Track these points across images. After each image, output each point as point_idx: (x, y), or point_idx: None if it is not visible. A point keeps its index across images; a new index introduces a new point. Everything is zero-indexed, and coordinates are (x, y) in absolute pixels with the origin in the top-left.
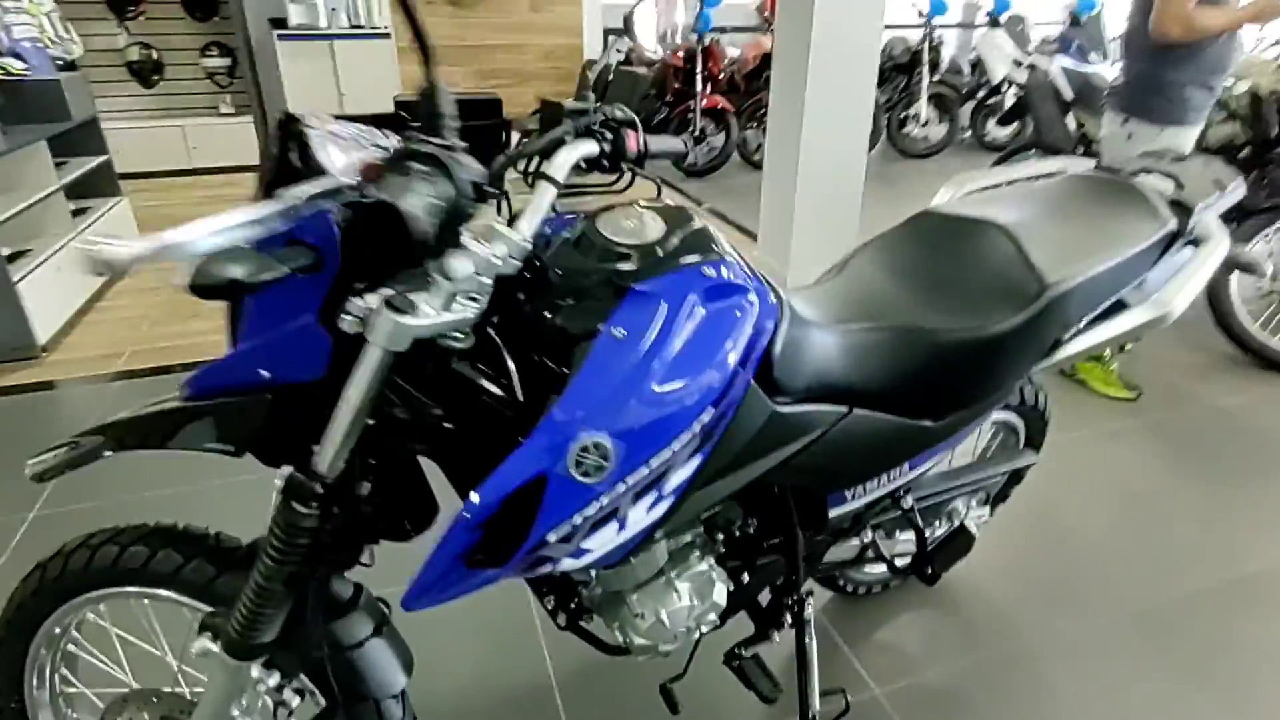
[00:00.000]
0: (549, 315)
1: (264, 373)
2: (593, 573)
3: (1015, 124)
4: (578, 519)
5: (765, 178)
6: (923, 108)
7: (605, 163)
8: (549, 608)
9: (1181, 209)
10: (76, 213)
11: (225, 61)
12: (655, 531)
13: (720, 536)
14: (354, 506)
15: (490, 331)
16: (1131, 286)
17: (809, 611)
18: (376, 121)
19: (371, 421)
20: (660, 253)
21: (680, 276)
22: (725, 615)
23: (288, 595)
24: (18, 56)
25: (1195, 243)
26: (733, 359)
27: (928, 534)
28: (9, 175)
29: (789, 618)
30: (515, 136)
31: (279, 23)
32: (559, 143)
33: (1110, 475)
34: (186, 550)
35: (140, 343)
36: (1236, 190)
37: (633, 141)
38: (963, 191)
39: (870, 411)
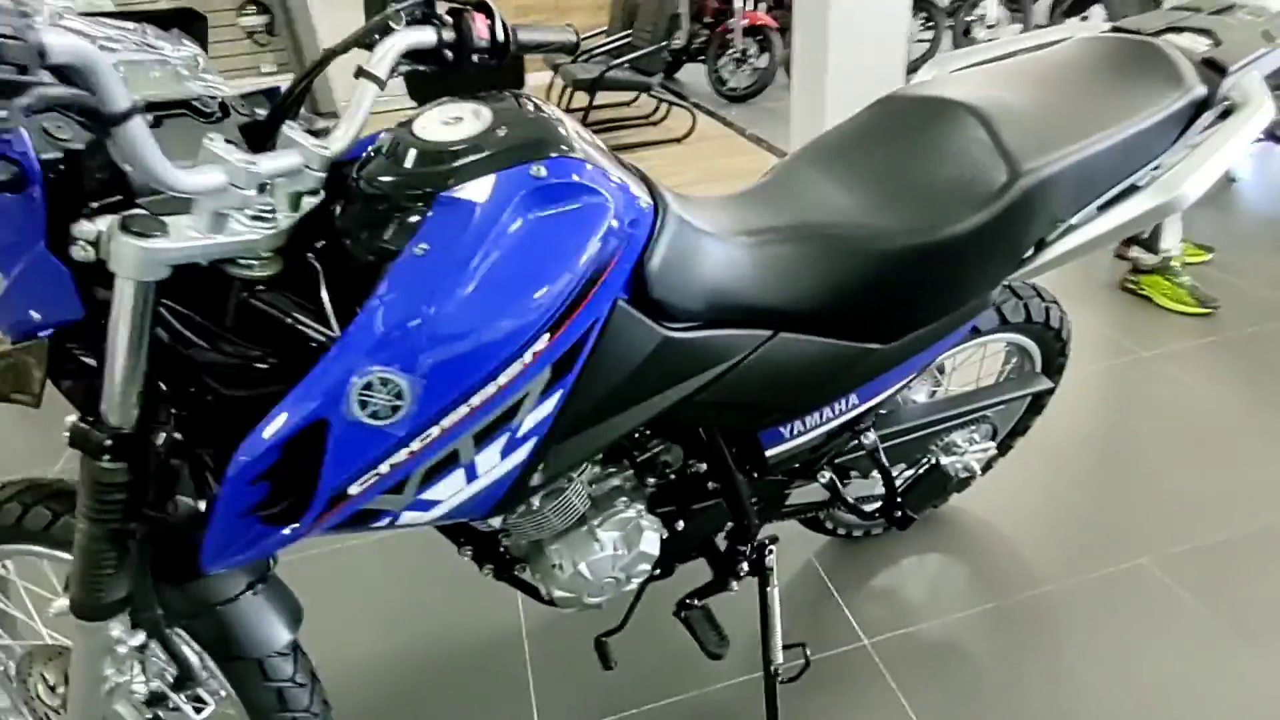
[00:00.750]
0: (355, 235)
1: (33, 314)
2: (500, 521)
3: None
4: (383, 467)
5: (793, 96)
6: (991, 6)
7: (448, 54)
8: (469, 557)
9: (1214, 69)
10: None
11: (263, 19)
12: (532, 477)
13: (652, 480)
14: (156, 458)
15: (311, 259)
16: (1147, 169)
17: (770, 559)
18: (161, 21)
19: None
20: (481, 152)
21: (502, 177)
22: (671, 563)
23: (124, 551)
24: None
25: (1230, 112)
26: (568, 277)
27: (913, 473)
28: None
29: (745, 566)
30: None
31: None
32: (384, 31)
33: (1173, 401)
34: (57, 506)
35: None
36: None
37: (482, 27)
38: (949, 69)
39: (800, 335)
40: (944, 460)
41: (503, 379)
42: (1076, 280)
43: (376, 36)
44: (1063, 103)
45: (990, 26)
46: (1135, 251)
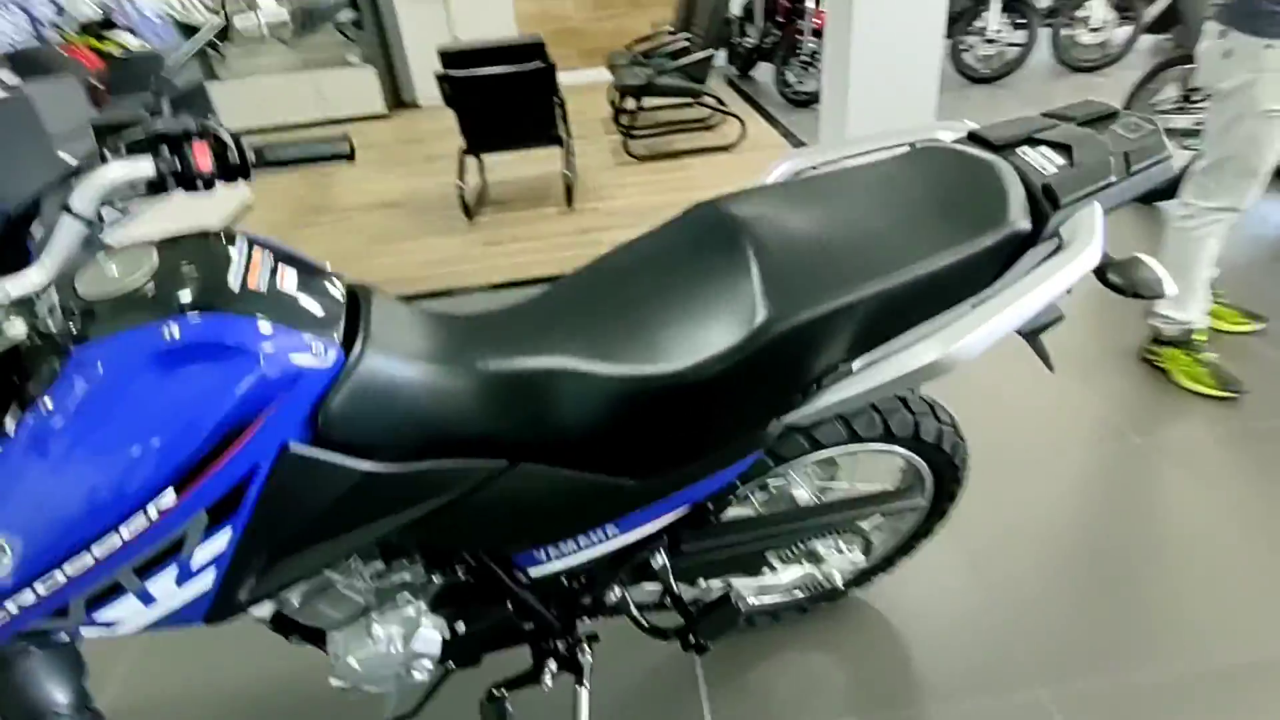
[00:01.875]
0: (28, 378)
1: None
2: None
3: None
4: (11, 606)
5: (821, 113)
6: (1097, 7)
7: (175, 182)
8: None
9: (1051, 199)
10: None
11: (353, 14)
12: (238, 594)
13: (439, 579)
14: None
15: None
16: (960, 307)
17: (584, 658)
18: None
19: None
20: (121, 308)
21: (130, 337)
22: (475, 655)
23: None
24: (132, 32)
25: (1061, 249)
26: (192, 436)
27: (766, 578)
28: None
29: (553, 664)
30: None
31: None
32: (96, 164)
33: (1149, 503)
34: None
35: None
36: (1153, 169)
37: (202, 158)
38: (793, 170)
39: (542, 466)
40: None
41: (126, 532)
42: (1096, 340)
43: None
44: (867, 230)
45: (1095, 29)
46: (1160, 313)
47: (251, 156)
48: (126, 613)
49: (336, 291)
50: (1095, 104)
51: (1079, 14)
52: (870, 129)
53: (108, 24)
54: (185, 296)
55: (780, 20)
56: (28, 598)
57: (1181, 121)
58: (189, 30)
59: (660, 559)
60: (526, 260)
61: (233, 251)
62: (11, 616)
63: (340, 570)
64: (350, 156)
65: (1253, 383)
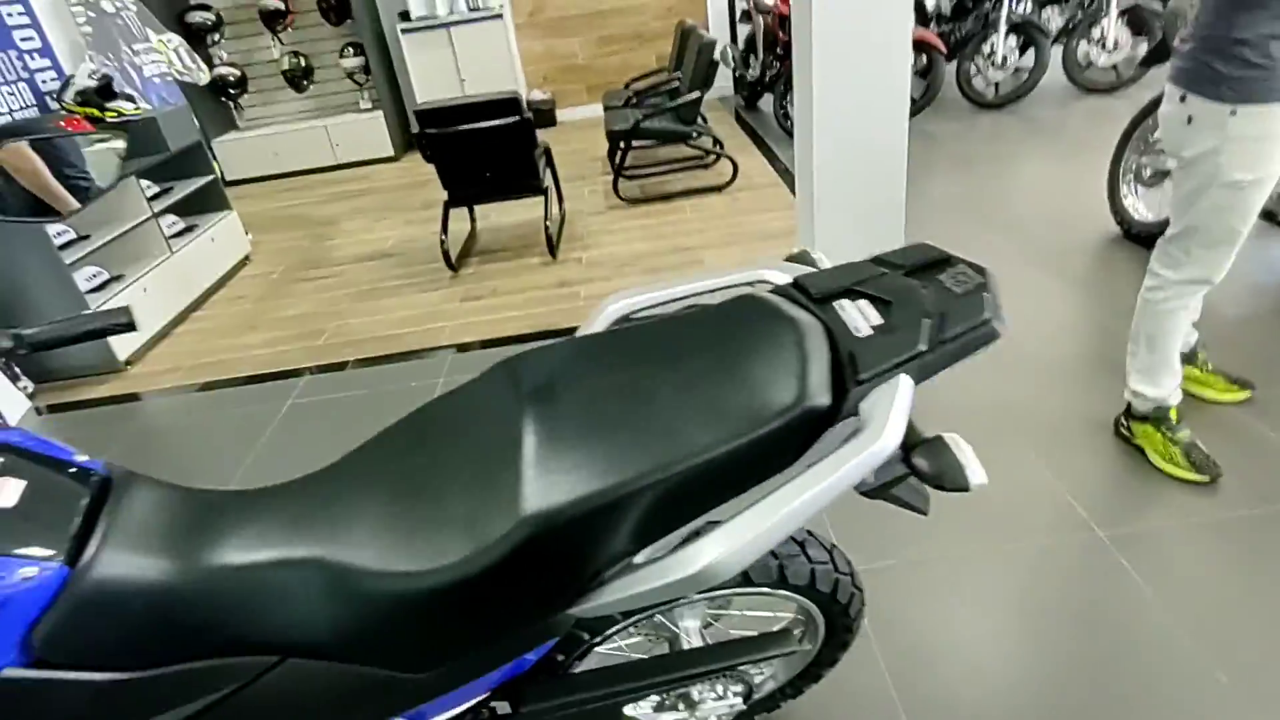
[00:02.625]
0: None
1: None
2: None
3: None
4: None
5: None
6: (1110, 28)
7: None
8: None
9: (855, 369)
10: (187, 229)
11: (361, 60)
12: None
13: None
14: None
15: None
16: (759, 490)
17: None
18: None
19: None
20: None
21: None
22: None
23: None
24: (129, 99)
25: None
26: None
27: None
28: (110, 209)
29: None
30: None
31: (406, 16)
32: None
33: (1104, 611)
34: None
35: (200, 356)
36: (969, 336)
37: None
38: (620, 312)
39: (314, 661)
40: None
41: None
42: (1070, 408)
43: None
44: (653, 405)
45: (1110, 50)
46: (1132, 388)
47: (15, 344)
48: None
49: (79, 491)
50: (928, 249)
51: (1093, 35)
52: (833, 169)
53: (108, 91)
54: None
55: (780, 53)
56: None
57: None
58: (190, 88)
59: (503, 706)
60: (499, 319)
61: None
62: None
63: None
64: (132, 327)
65: (1233, 462)
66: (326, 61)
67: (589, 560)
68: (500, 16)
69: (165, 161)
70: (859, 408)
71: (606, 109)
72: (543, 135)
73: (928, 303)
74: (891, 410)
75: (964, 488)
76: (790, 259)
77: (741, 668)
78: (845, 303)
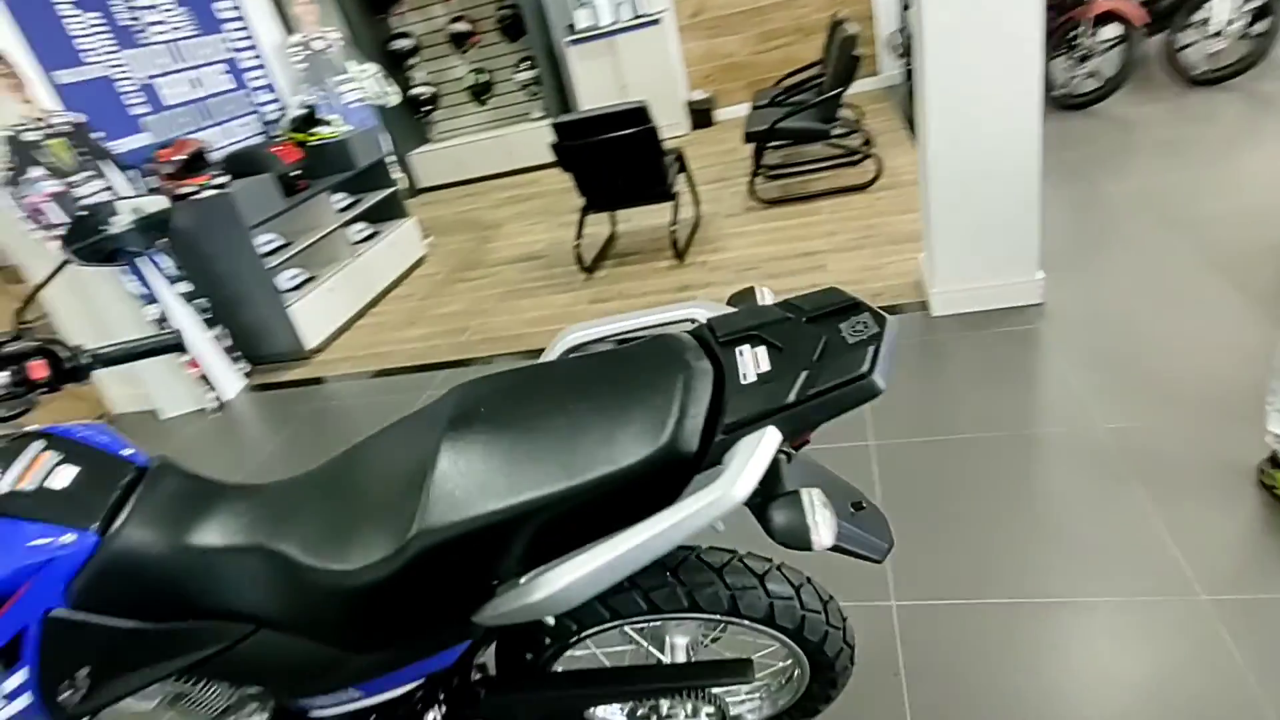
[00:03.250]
0: None
1: None
2: None
3: None
4: None
5: (919, 149)
6: (1223, 8)
7: (19, 391)
8: None
9: (724, 416)
10: (371, 235)
11: (534, 73)
12: (68, 707)
13: None
14: None
15: None
16: (622, 535)
17: None
18: None
19: None
20: None
21: None
22: None
23: None
24: (328, 124)
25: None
26: None
27: None
28: (309, 219)
29: None
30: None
31: (573, 29)
32: None
33: (1188, 687)
34: None
35: (370, 347)
36: (839, 392)
37: (39, 369)
38: (573, 342)
39: (279, 634)
40: None
41: None
42: (1213, 448)
43: None
44: (549, 437)
45: (1215, 34)
46: (1274, 430)
47: (88, 360)
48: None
49: (118, 478)
50: (837, 294)
51: (1198, 16)
52: (948, 158)
53: (312, 119)
54: None
55: (1054, 3)
56: None
57: None
58: (381, 111)
59: (433, 714)
60: None
61: (21, 456)
62: None
63: (190, 683)
64: (180, 348)
65: None
66: (504, 76)
67: (478, 575)
68: (659, 21)
69: (355, 175)
70: (723, 457)
71: (754, 108)
72: (698, 135)
73: (812, 353)
74: (747, 462)
75: (805, 547)
76: (734, 297)
77: (715, 691)
78: (745, 348)
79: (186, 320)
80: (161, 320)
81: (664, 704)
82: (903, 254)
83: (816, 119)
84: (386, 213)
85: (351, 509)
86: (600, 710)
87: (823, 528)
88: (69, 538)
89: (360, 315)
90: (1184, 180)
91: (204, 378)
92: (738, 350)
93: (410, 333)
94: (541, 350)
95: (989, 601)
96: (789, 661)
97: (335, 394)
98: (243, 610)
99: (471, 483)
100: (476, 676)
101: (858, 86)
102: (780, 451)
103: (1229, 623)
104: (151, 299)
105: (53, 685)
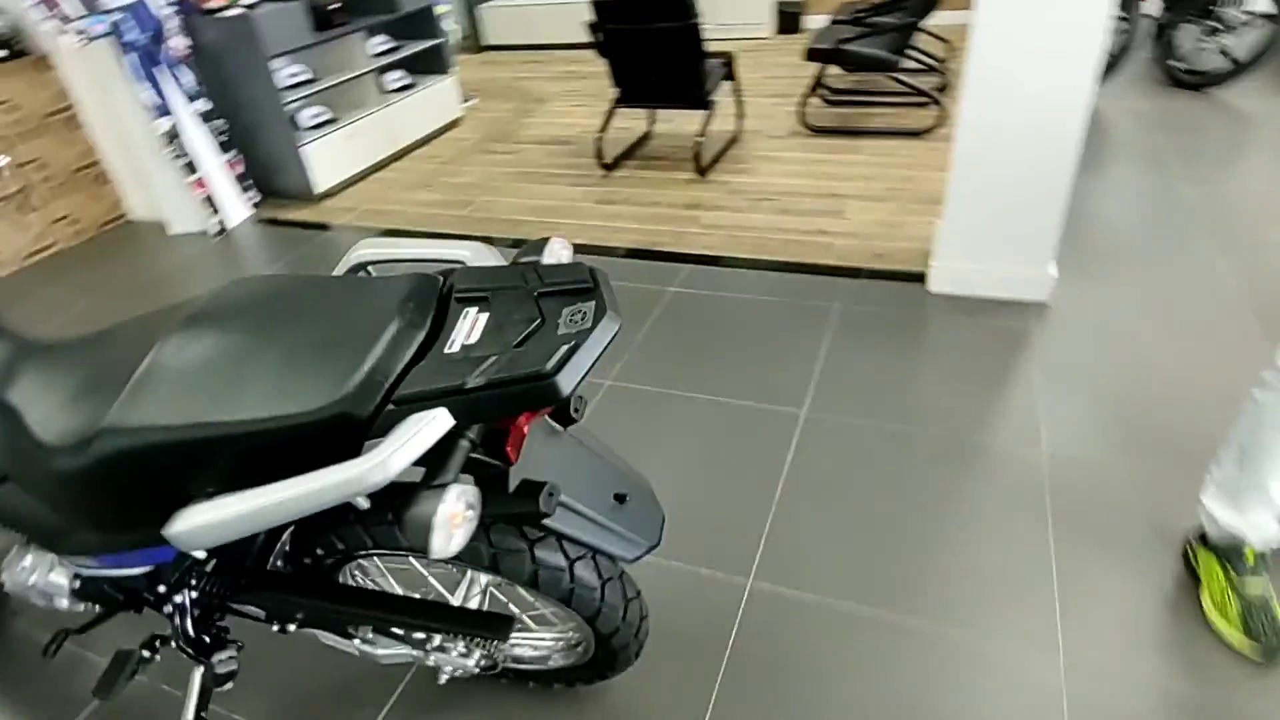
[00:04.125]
0: None
1: None
2: None
3: None
4: None
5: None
6: None
7: None
8: None
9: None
10: (407, 87)
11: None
12: None
13: None
14: None
15: None
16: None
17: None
18: None
19: None
20: None
21: None
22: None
23: None
24: None
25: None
26: None
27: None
28: (341, 58)
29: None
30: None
31: None
32: None
33: None
34: None
35: (375, 203)
36: (515, 389)
37: None
38: (354, 260)
39: (15, 489)
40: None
41: None
42: (1151, 509)
43: None
44: (260, 362)
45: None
46: (1204, 503)
47: None
48: None
49: None
50: (580, 272)
51: None
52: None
53: None
54: None
55: None
56: None
57: None
58: None
59: (180, 596)
60: (612, 227)
61: None
62: None
63: None
64: None
65: None
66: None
67: (165, 485)
68: None
69: (400, 19)
70: (390, 429)
71: (833, 22)
72: (780, 41)
73: (519, 335)
74: (403, 444)
75: (423, 550)
76: (527, 246)
77: (485, 638)
78: (473, 311)
79: (199, 140)
80: (172, 135)
81: (437, 637)
82: (928, 216)
83: (885, 47)
84: (428, 65)
85: (80, 385)
86: (377, 640)
87: (445, 539)
88: None
89: (377, 168)
90: (1276, 198)
91: (209, 200)
92: (464, 312)
93: (419, 195)
94: (525, 241)
95: (844, 603)
96: (579, 634)
97: (332, 243)
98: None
99: (172, 393)
100: (251, 566)
101: (958, 19)
102: (465, 437)
103: (1074, 693)
104: (165, 111)
105: None
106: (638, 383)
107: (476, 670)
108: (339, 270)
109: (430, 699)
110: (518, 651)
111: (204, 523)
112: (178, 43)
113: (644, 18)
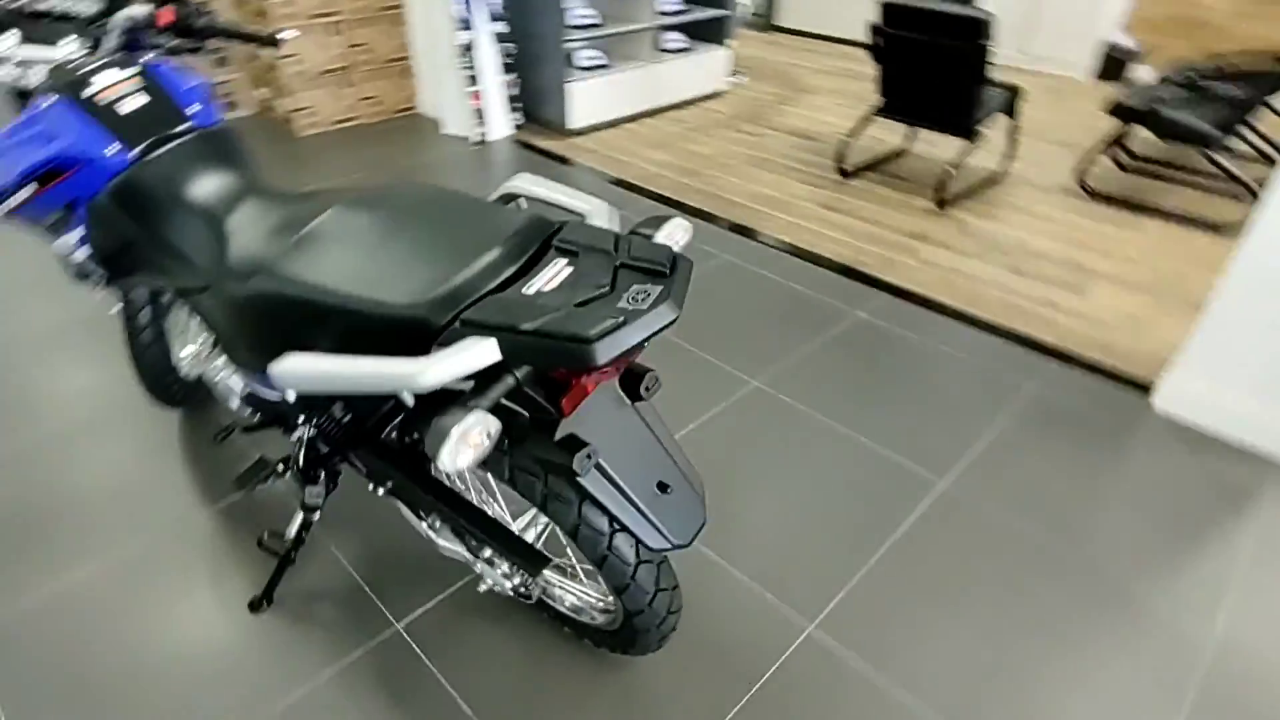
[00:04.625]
0: None
1: None
2: None
3: None
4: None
5: None
6: None
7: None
8: None
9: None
10: (683, 50)
11: None
12: (110, 269)
13: None
14: None
15: None
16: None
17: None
18: None
19: None
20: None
21: (43, 96)
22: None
23: None
24: None
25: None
26: (20, 168)
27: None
28: (628, 9)
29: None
30: None
31: None
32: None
33: None
34: None
35: (615, 152)
36: (557, 345)
37: (165, 17)
38: (509, 189)
39: (214, 302)
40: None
41: (24, 195)
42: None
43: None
44: (386, 254)
45: None
46: None
47: (202, 24)
48: (72, 245)
49: (172, 123)
50: (665, 254)
51: None
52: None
53: None
54: (59, 85)
55: None
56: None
57: None
58: None
59: (300, 432)
60: (823, 236)
61: (111, 74)
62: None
63: (189, 313)
64: (274, 44)
65: None
66: None
67: (281, 327)
68: None
69: None
70: (453, 344)
71: (1161, 80)
72: (1095, 89)
73: (585, 296)
74: (448, 359)
75: (434, 460)
76: (649, 220)
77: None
78: (561, 262)
79: (488, 58)
80: (467, 48)
81: (487, 550)
82: (1185, 320)
83: (1213, 119)
84: (708, 33)
85: (271, 229)
86: (442, 530)
87: (451, 451)
88: (113, 148)
89: (628, 120)
90: None
91: (479, 112)
92: (555, 261)
93: (654, 154)
94: (739, 226)
95: (901, 693)
96: (614, 603)
97: (565, 176)
98: (199, 266)
99: (309, 253)
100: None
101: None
102: (513, 374)
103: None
104: (468, 26)
105: (99, 251)
106: (786, 393)
107: (511, 593)
108: (493, 196)
109: (477, 606)
110: (560, 594)
111: (290, 369)
112: None
113: (930, 29)
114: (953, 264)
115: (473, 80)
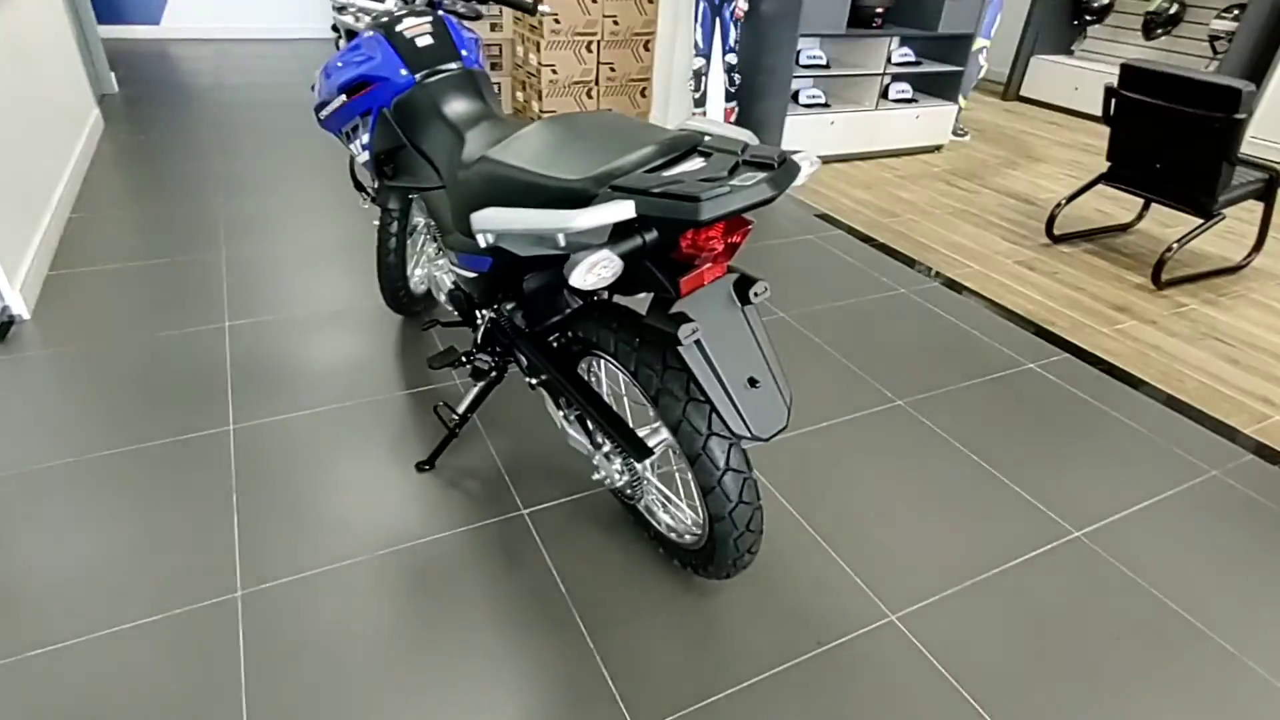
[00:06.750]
0: None
1: None
2: None
3: None
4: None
5: None
6: None
7: None
8: None
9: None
10: (905, 101)
11: (1236, 25)
12: (382, 169)
13: None
14: None
15: None
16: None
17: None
18: None
19: None
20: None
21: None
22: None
23: None
24: None
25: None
26: (341, 81)
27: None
28: (859, 54)
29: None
30: None
31: None
32: None
33: None
34: None
35: (820, 185)
36: (674, 204)
37: None
38: (681, 124)
39: (445, 194)
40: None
41: (340, 100)
42: None
43: None
44: (569, 147)
45: None
46: None
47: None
48: (360, 149)
49: (449, 58)
50: (779, 153)
51: None
52: None
53: None
54: (378, 24)
55: None
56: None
57: None
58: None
59: (481, 318)
60: (1011, 290)
61: (414, 19)
62: (338, 113)
63: (419, 208)
64: (531, 11)
65: None
66: (1199, 16)
67: (491, 198)
68: None
69: (932, 39)
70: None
71: None
72: None
73: (705, 175)
74: (594, 212)
75: (569, 280)
76: (788, 151)
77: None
78: (700, 159)
79: (716, 84)
80: (699, 73)
81: (607, 444)
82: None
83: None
84: (937, 89)
85: (494, 137)
86: (573, 424)
87: (582, 273)
88: (405, 71)
89: (840, 160)
90: None
91: None
92: (694, 158)
93: (857, 193)
94: (924, 266)
95: (970, 692)
96: (702, 526)
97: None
98: (440, 169)
99: (515, 149)
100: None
101: None
102: (642, 236)
103: None
104: (705, 54)
105: (375, 156)
106: (927, 417)
107: (619, 485)
108: (670, 124)
109: (593, 514)
110: (659, 514)
111: (488, 215)
112: (741, 4)
113: (1176, 96)
114: (1155, 341)
115: (698, 103)
